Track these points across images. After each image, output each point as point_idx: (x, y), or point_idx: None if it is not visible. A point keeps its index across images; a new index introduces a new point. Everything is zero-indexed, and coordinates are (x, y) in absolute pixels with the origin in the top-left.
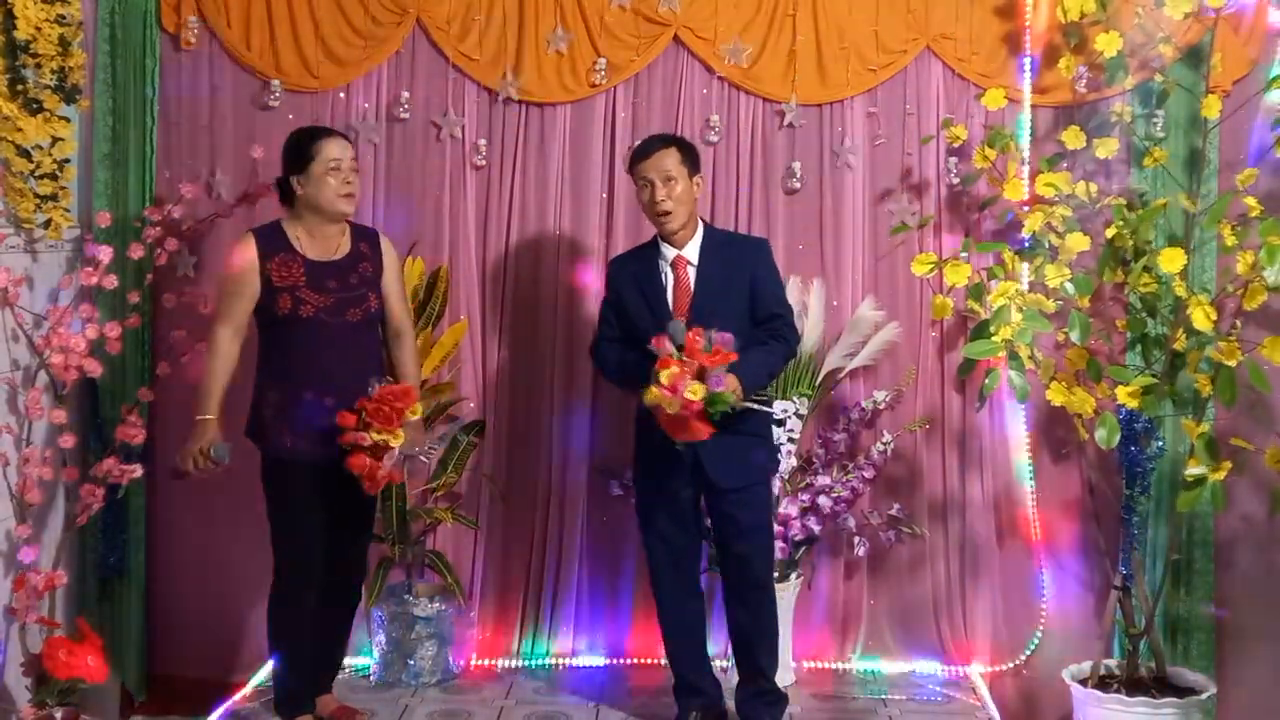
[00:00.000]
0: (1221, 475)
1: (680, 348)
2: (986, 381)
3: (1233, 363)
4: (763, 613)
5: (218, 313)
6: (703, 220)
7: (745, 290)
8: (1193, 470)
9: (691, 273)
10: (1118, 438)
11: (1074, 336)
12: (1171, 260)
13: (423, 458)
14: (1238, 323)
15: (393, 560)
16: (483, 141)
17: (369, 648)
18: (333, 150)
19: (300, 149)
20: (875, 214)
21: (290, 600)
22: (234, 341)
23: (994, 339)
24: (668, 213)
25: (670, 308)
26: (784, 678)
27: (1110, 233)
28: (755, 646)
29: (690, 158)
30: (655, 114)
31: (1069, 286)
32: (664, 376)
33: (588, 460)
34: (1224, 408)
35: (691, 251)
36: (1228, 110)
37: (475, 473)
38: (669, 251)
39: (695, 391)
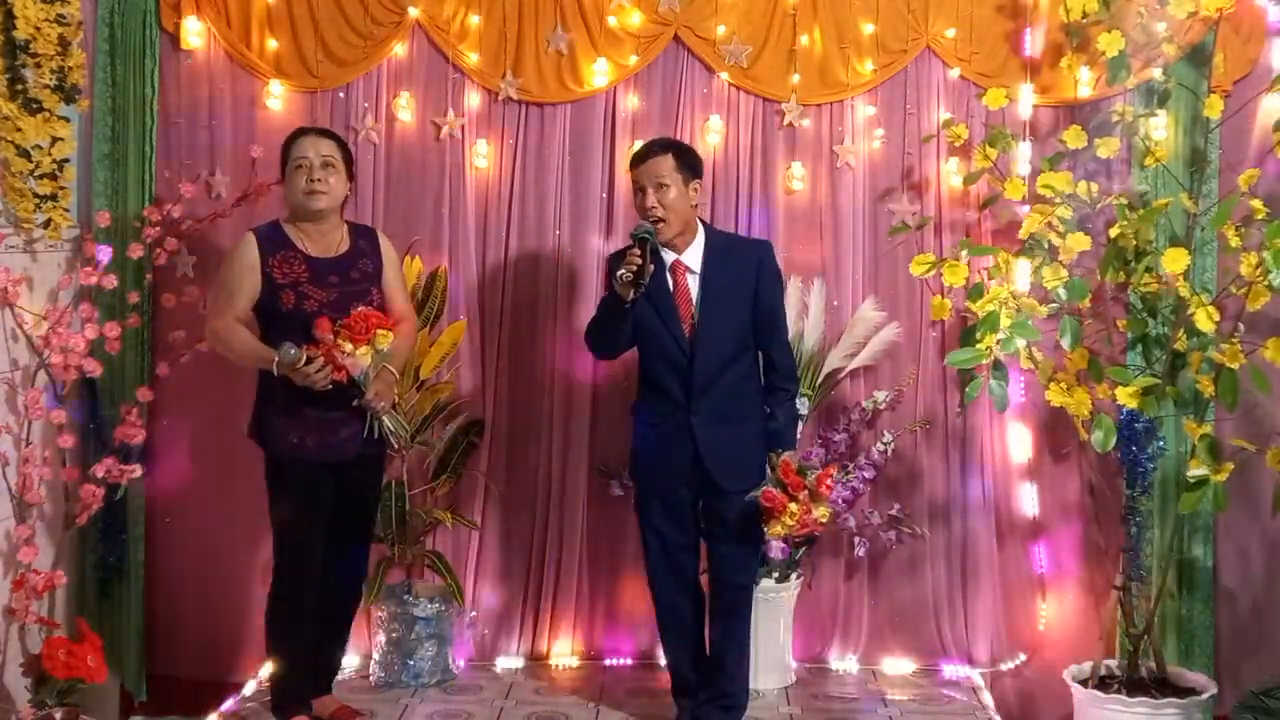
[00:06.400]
0: (1223, 476)
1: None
2: (967, 390)
3: (1235, 365)
4: (737, 615)
5: (217, 308)
6: (703, 222)
7: (748, 295)
8: (1195, 472)
9: (692, 281)
10: (1114, 440)
11: (1064, 343)
12: (1175, 260)
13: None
14: (1240, 325)
15: (393, 560)
16: (483, 141)
17: (369, 648)
18: (299, 148)
19: (282, 150)
20: (875, 214)
21: (290, 599)
22: (239, 322)
23: (979, 346)
24: (659, 220)
25: (677, 313)
26: (784, 678)
27: (1114, 232)
28: (724, 649)
29: (687, 163)
30: (655, 114)
31: (1062, 292)
32: (789, 519)
33: (587, 460)
34: (1226, 410)
35: (691, 257)
36: (1229, 110)
37: (475, 473)
38: (667, 256)
39: (824, 515)
